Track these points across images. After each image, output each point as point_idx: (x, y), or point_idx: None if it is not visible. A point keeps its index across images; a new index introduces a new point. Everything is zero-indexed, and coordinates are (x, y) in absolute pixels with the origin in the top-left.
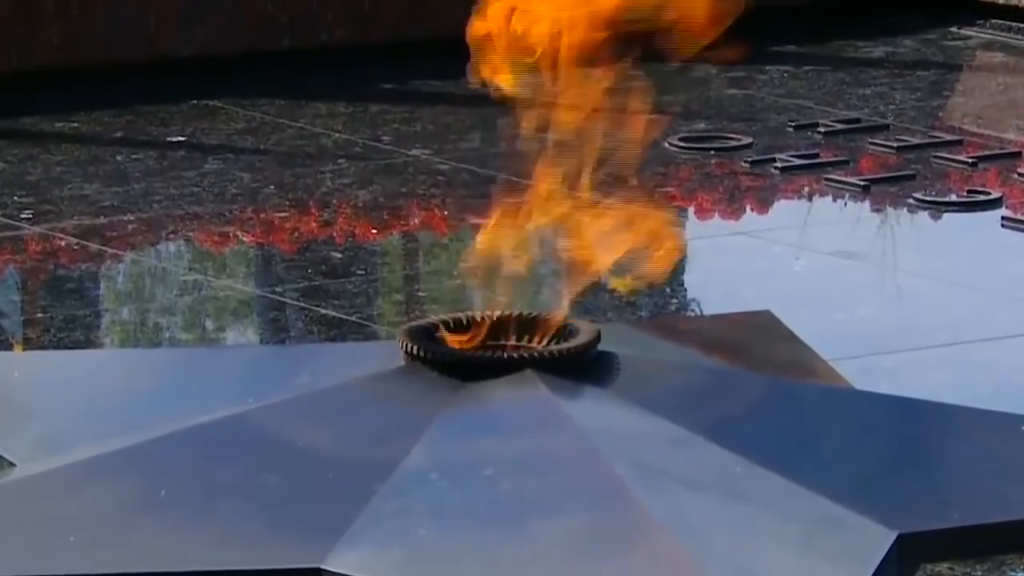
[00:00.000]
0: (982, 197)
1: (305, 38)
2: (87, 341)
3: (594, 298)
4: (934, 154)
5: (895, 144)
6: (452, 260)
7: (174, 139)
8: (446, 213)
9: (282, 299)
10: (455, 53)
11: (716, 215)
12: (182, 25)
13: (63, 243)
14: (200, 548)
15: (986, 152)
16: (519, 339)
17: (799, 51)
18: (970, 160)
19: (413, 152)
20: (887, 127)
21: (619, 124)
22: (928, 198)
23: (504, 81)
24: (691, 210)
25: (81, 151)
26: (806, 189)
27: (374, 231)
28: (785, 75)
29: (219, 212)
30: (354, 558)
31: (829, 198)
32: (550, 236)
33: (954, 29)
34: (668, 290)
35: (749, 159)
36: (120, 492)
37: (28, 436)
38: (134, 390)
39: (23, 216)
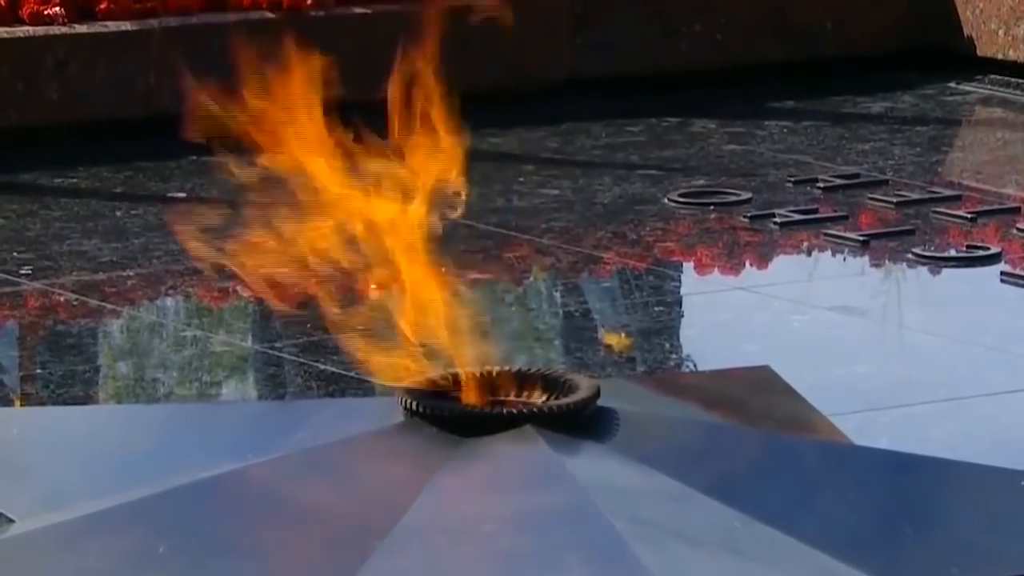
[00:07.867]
0: (981, 252)
1: None
2: (86, 397)
3: (593, 353)
4: (933, 209)
5: (894, 199)
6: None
7: (174, 195)
8: (443, 269)
9: (281, 355)
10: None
11: (715, 270)
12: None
13: (62, 299)
14: None
15: (985, 207)
16: (518, 394)
17: (798, 106)
18: (969, 215)
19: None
20: (886, 182)
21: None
22: (927, 253)
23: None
24: (690, 265)
25: (80, 207)
26: (805, 244)
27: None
28: (784, 130)
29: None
30: None
31: (828, 253)
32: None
33: (953, 84)
34: (667, 345)
35: (748, 214)
36: (119, 548)
37: (27, 492)
38: (133, 446)
39: (22, 272)
